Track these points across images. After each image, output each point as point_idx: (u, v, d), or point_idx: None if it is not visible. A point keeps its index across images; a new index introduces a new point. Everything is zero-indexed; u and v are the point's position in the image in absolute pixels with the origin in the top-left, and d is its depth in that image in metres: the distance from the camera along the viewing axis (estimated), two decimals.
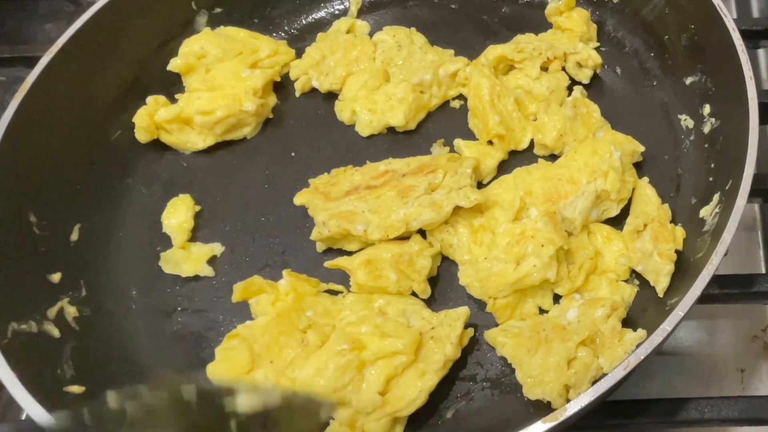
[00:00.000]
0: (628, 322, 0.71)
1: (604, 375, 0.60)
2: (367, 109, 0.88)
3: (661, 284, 0.71)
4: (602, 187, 0.75)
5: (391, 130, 0.87)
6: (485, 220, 0.75)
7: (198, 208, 0.84)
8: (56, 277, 0.75)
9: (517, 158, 0.84)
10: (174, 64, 0.91)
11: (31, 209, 0.76)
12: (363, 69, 0.91)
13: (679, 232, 0.74)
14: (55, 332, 0.71)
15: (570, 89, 0.87)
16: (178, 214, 0.83)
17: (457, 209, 0.74)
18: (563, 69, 0.88)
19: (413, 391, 0.66)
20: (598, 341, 0.67)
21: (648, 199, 0.77)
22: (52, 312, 0.72)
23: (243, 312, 0.76)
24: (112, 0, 0.85)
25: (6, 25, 1.15)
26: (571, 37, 0.89)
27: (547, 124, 0.82)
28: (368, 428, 0.64)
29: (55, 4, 1.15)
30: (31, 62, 0.81)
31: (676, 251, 0.71)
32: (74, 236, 0.79)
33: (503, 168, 0.83)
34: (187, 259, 0.80)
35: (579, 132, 0.81)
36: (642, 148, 0.80)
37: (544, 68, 0.88)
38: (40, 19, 1.15)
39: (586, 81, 0.88)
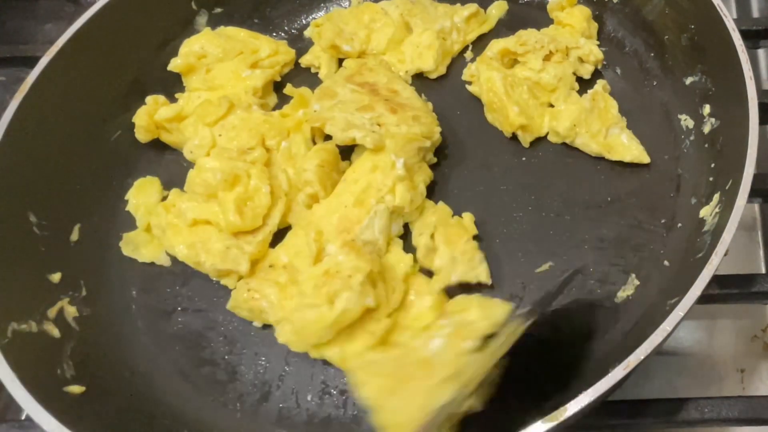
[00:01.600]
0: (624, 321, 0.71)
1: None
2: (396, 60, 0.91)
3: (482, 276, 0.72)
4: (393, 204, 0.74)
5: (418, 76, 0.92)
6: (288, 274, 0.73)
7: (166, 193, 0.84)
8: (56, 277, 0.75)
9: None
10: (174, 64, 0.91)
11: (31, 209, 0.76)
12: (384, 24, 0.93)
13: (467, 219, 0.76)
14: (55, 332, 0.71)
15: (588, 81, 0.88)
16: (144, 195, 0.83)
17: (260, 270, 0.75)
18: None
19: None
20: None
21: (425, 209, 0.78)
22: (52, 312, 0.72)
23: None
24: (112, 0, 0.85)
25: (6, 25, 1.15)
26: (573, 32, 0.89)
27: (563, 113, 0.83)
28: None
29: (55, 4, 1.15)
30: (31, 62, 0.81)
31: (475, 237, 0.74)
32: (74, 236, 0.79)
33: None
34: (148, 243, 0.80)
35: (593, 125, 0.82)
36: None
37: (546, 61, 0.88)
38: (40, 19, 1.15)
39: (587, 76, 0.88)
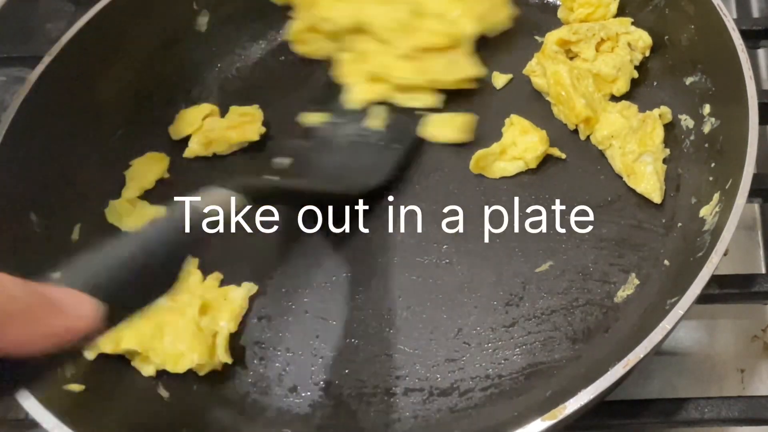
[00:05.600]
0: (624, 320, 0.71)
1: None
2: None
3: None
4: None
5: None
6: None
7: (167, 175, 0.85)
8: (57, 277, 0.74)
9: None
10: None
11: (32, 209, 0.76)
12: None
13: None
14: None
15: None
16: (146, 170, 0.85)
17: None
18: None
19: None
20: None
21: None
22: None
23: None
24: (113, 0, 0.86)
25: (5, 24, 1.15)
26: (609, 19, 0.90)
27: (605, 121, 0.82)
28: None
29: (55, 4, 1.15)
30: (31, 62, 0.82)
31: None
32: (74, 236, 0.79)
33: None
34: (131, 213, 0.81)
35: (630, 144, 0.79)
36: None
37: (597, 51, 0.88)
38: (40, 19, 1.15)
39: (635, 63, 0.87)
